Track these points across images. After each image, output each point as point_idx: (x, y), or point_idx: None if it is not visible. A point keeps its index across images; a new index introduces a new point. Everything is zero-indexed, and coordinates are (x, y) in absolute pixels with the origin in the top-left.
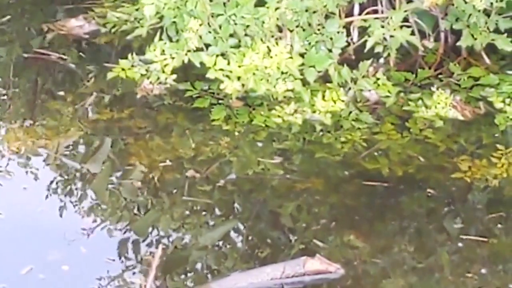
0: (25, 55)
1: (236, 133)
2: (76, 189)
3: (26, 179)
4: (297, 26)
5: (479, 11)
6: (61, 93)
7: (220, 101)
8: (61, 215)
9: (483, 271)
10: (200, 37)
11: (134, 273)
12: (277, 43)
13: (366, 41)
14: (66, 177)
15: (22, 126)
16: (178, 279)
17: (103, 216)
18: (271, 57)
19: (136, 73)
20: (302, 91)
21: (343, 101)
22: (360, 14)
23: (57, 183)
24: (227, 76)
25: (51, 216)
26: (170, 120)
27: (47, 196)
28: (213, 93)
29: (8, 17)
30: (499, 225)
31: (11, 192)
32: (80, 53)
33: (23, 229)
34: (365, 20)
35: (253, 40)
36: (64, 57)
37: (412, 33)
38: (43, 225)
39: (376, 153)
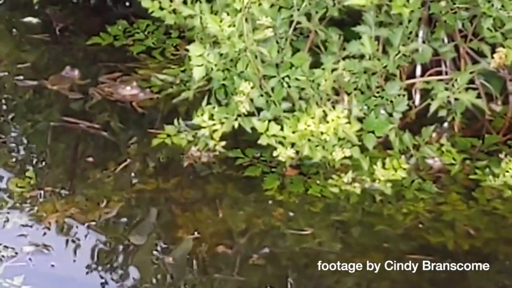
0: (59, 123)
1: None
2: (118, 263)
3: (64, 253)
4: (355, 89)
5: None
6: (102, 160)
7: (273, 170)
8: None
9: None
10: (252, 100)
11: None
12: (333, 107)
13: (429, 104)
14: (107, 250)
15: (61, 197)
16: None
17: None
18: (327, 122)
19: (183, 139)
20: (361, 159)
21: (404, 169)
22: (422, 75)
23: (97, 256)
24: (280, 142)
25: None
26: (220, 190)
27: (86, 272)
28: (266, 160)
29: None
30: None
31: (47, 267)
32: (123, 119)
33: None
34: (427, 82)
35: (308, 104)
36: (97, 126)
37: (478, 96)
38: None
39: (440, 225)
